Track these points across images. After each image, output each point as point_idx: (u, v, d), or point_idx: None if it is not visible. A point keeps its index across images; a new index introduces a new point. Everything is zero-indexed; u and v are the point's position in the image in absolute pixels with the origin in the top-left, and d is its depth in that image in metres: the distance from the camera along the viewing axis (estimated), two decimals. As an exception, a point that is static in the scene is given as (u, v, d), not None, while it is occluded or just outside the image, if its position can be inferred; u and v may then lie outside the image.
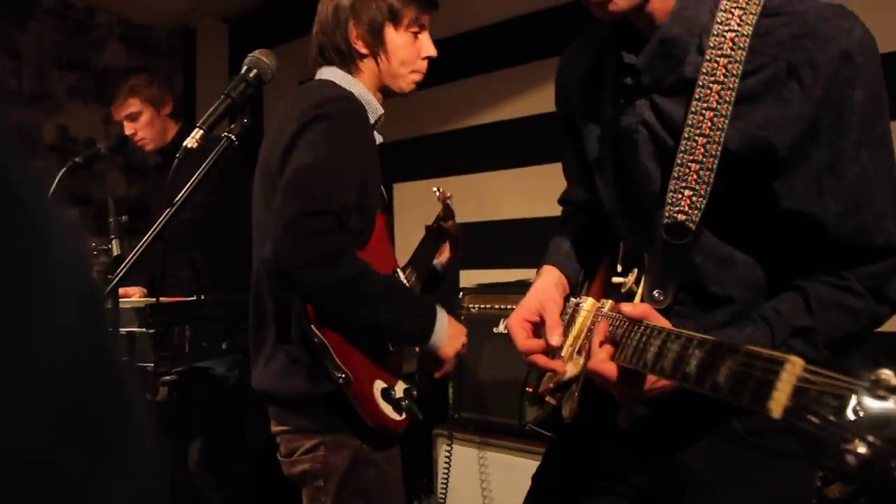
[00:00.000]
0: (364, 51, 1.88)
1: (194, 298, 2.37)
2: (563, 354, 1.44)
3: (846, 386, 0.75)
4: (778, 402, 0.82)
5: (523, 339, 1.42)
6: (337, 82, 1.83)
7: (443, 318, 1.81)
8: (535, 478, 1.63)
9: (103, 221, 2.21)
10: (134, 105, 3.04)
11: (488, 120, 3.92)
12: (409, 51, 1.90)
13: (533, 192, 3.65)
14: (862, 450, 0.73)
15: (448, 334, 1.81)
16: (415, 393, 1.83)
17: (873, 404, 0.73)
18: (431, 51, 1.92)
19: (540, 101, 3.56)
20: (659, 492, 1.41)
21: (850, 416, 0.74)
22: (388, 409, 1.76)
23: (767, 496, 1.31)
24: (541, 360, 1.39)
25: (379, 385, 1.76)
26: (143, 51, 5.22)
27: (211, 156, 1.51)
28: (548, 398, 1.50)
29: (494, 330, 3.09)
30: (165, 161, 3.14)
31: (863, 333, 1.23)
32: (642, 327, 1.16)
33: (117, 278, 1.39)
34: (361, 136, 1.78)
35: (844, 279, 1.19)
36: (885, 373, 0.73)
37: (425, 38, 1.93)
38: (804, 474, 1.39)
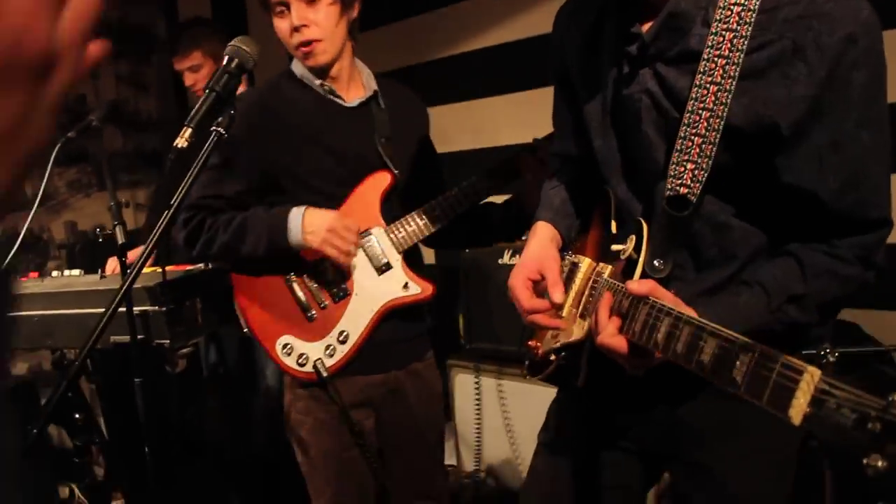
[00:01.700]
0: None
1: (201, 268, 2.38)
2: (563, 314, 1.47)
3: (865, 402, 0.78)
4: (798, 409, 0.86)
5: (527, 299, 1.46)
6: (291, 67, 2.08)
7: (295, 219, 1.94)
8: (542, 433, 1.70)
9: (101, 178, 2.21)
10: (196, 58, 3.05)
11: (482, 45, 3.80)
12: (280, 32, 1.98)
13: (530, 118, 3.58)
14: (881, 464, 0.77)
15: (305, 230, 1.93)
16: (329, 355, 2.02)
17: (890, 423, 0.77)
18: (294, 21, 1.92)
19: (535, 23, 3.44)
20: (659, 446, 1.48)
21: (870, 430, 0.77)
22: (289, 361, 2.02)
23: (756, 443, 1.37)
24: (544, 319, 1.45)
25: (283, 340, 2.02)
26: (123, -4, 5.02)
27: (202, 151, 1.51)
28: (553, 357, 1.53)
29: (499, 261, 3.12)
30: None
31: (849, 297, 1.28)
32: (649, 304, 1.19)
33: (130, 280, 1.39)
34: (255, 125, 1.95)
35: (836, 247, 1.24)
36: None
37: (289, 14, 1.93)
38: (787, 426, 1.45)
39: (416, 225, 2.06)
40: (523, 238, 2.98)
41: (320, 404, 2.03)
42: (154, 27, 5.00)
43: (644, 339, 1.19)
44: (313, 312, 2.03)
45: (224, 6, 4.74)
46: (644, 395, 1.44)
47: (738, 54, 1.18)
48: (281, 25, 1.96)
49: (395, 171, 2.06)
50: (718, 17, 1.20)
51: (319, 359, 1.99)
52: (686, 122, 1.24)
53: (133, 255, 2.47)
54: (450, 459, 2.96)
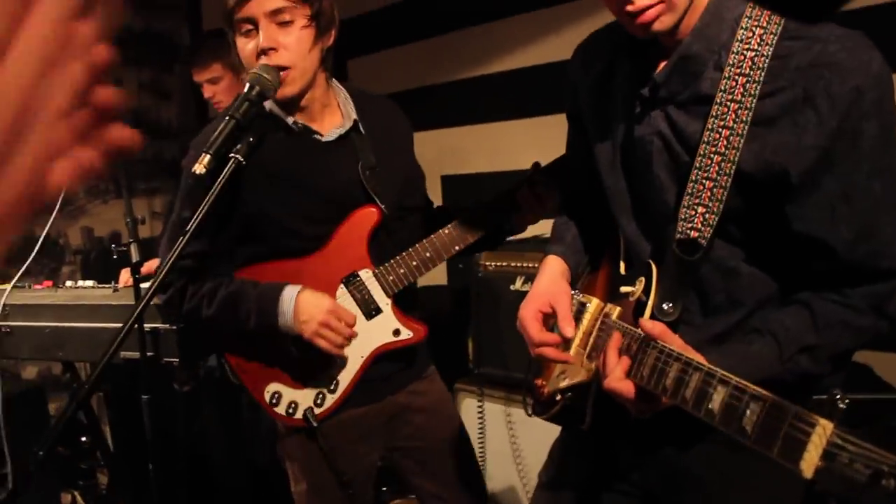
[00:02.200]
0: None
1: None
2: (570, 352, 1.47)
3: (879, 458, 0.77)
4: (809, 462, 0.85)
5: (537, 332, 1.46)
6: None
7: (288, 303, 1.81)
8: (544, 471, 1.69)
9: (118, 185, 2.18)
10: (215, 70, 3.03)
11: (504, 68, 3.80)
12: (243, 53, 1.77)
13: (549, 142, 3.56)
14: (895, 523, 0.75)
15: (296, 319, 1.81)
16: (319, 403, 1.94)
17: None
18: (261, 43, 1.71)
19: (558, 48, 3.44)
20: (662, 490, 1.47)
21: (884, 487, 0.76)
22: (279, 410, 1.94)
23: (762, 495, 1.36)
24: (552, 352, 1.45)
25: (271, 388, 1.93)
26: (146, 5, 5.00)
27: (219, 179, 1.50)
28: (558, 397, 1.53)
29: (511, 287, 3.11)
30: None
31: (862, 347, 1.27)
32: (658, 349, 1.19)
33: (147, 298, 1.39)
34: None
35: (848, 297, 1.22)
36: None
37: (256, 35, 1.73)
38: (791, 477, 1.44)
39: (406, 268, 1.92)
40: (516, 266, 3.02)
41: (312, 443, 1.96)
42: (178, 36, 5.03)
43: (652, 384, 1.18)
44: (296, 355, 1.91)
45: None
46: (649, 437, 1.44)
47: (750, 99, 1.19)
48: (246, 46, 1.74)
49: (382, 206, 1.90)
50: (731, 62, 1.21)
51: (309, 407, 1.92)
52: (697, 165, 1.24)
53: (148, 266, 2.48)
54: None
